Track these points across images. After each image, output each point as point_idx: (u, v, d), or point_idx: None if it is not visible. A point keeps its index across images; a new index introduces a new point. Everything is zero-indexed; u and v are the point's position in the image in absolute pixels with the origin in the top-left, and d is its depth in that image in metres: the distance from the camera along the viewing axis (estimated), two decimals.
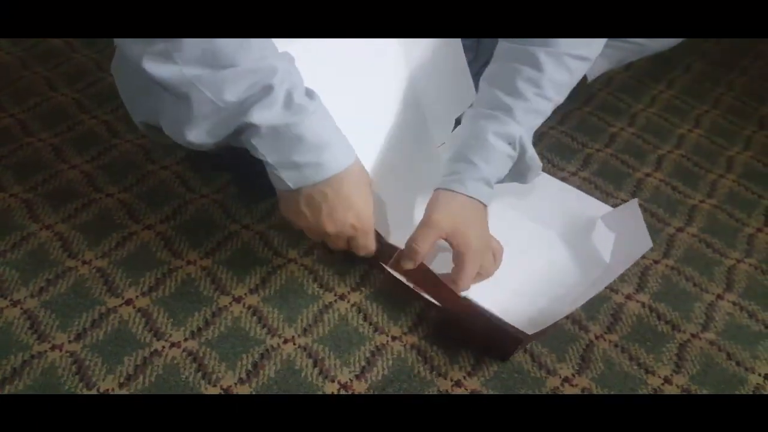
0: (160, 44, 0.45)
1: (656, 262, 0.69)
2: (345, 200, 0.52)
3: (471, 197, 0.58)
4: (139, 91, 0.58)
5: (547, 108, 0.60)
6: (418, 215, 0.59)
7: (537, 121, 0.60)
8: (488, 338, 0.57)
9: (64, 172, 0.73)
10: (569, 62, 0.59)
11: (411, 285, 0.60)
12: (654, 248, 0.70)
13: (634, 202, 0.63)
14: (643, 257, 0.67)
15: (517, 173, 0.61)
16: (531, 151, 0.60)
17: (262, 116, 0.47)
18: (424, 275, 0.58)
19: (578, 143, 0.85)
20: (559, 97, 0.61)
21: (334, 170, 0.50)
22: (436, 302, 0.59)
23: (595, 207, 0.70)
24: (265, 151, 0.50)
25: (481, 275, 0.60)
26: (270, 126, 0.48)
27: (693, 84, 1.00)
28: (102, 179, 0.73)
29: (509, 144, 0.58)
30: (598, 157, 0.83)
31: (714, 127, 0.91)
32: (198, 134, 0.49)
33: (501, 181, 0.61)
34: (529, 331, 0.54)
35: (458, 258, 0.58)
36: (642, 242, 0.60)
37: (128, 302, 0.60)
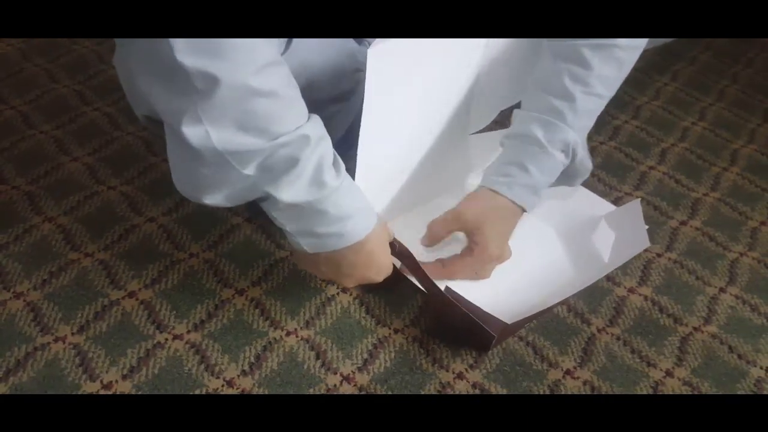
0: (193, 103, 0.43)
1: (659, 255, 0.69)
2: (366, 261, 0.52)
3: (514, 202, 0.57)
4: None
5: (597, 106, 0.58)
6: (435, 197, 0.59)
7: (589, 122, 0.59)
8: (468, 329, 0.57)
9: (66, 164, 0.73)
10: (619, 54, 0.56)
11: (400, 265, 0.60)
12: (657, 241, 0.70)
13: (636, 202, 0.62)
14: (646, 250, 0.67)
15: (566, 177, 0.60)
16: (581, 156, 0.59)
17: (285, 192, 0.46)
18: (406, 256, 0.58)
19: None
20: (610, 92, 0.58)
21: (356, 239, 0.50)
22: (421, 287, 0.59)
23: (600, 206, 0.69)
24: (283, 221, 0.49)
25: (477, 276, 0.60)
26: (292, 203, 0.47)
27: (698, 76, 0.99)
28: (104, 171, 0.73)
29: (563, 151, 0.57)
30: (602, 149, 0.83)
31: (718, 119, 0.90)
32: (216, 198, 0.47)
33: (549, 186, 0.60)
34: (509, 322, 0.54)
35: (466, 253, 0.58)
36: (639, 242, 0.59)
37: (131, 294, 0.60)
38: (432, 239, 0.60)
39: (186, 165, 0.48)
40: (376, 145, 0.56)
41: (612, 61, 0.56)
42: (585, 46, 0.56)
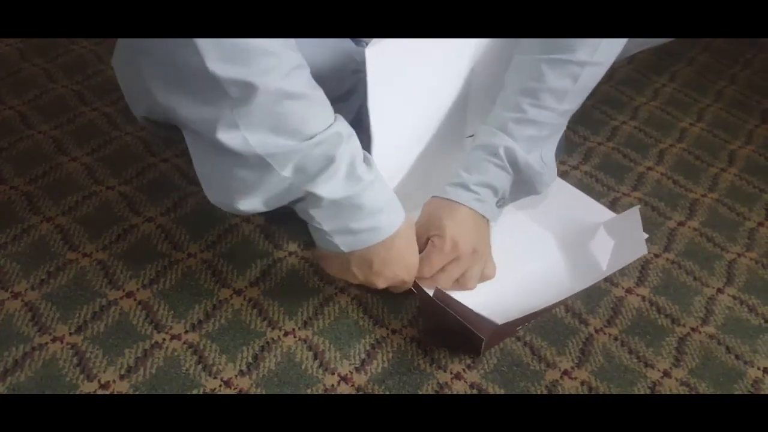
0: (227, 110, 0.43)
1: (657, 255, 0.69)
2: (397, 257, 0.53)
3: (446, 199, 0.58)
4: (139, 85, 0.58)
5: (547, 117, 0.59)
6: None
7: (534, 132, 0.59)
8: (460, 333, 0.56)
9: (64, 164, 0.73)
10: (572, 69, 0.58)
11: None
12: (654, 242, 0.70)
13: (635, 210, 0.62)
14: None
15: (522, 184, 0.61)
16: (526, 162, 0.59)
17: (324, 188, 0.47)
18: None
19: (579, 136, 0.85)
20: (565, 105, 0.60)
21: (389, 232, 0.51)
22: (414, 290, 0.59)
23: (600, 213, 0.68)
24: (321, 219, 0.50)
25: (460, 285, 0.59)
26: (332, 198, 0.48)
27: (696, 77, 0.99)
28: (102, 172, 0.73)
29: (493, 155, 0.58)
30: (600, 150, 0.83)
31: (716, 120, 0.90)
32: (253, 203, 0.48)
33: (513, 196, 0.61)
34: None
35: (429, 247, 0.58)
36: (636, 249, 0.59)
37: (129, 294, 0.60)
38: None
39: (221, 171, 0.48)
40: (388, 145, 0.56)
41: (565, 76, 0.58)
42: (543, 60, 0.58)
